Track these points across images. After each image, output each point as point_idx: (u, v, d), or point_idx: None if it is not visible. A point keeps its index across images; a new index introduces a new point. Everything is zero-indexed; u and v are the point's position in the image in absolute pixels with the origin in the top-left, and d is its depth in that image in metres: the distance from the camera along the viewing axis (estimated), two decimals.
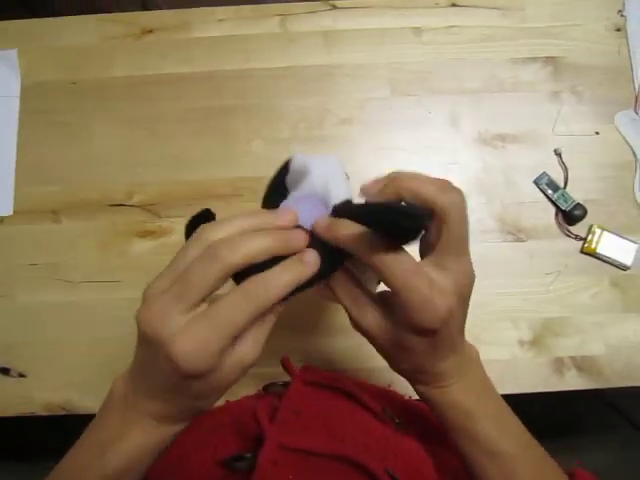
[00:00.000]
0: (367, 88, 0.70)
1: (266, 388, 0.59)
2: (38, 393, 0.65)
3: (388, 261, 0.32)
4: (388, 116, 0.70)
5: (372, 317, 0.37)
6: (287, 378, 0.56)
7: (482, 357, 0.62)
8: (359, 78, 0.70)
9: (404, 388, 0.63)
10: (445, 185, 0.34)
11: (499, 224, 0.68)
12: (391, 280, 0.33)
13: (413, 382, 0.40)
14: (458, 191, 0.34)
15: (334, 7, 0.72)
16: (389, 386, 0.63)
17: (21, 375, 0.66)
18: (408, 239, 0.31)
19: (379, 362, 0.61)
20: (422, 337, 0.35)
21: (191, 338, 0.31)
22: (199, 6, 0.73)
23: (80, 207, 0.69)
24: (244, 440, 0.48)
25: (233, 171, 0.68)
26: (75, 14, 0.74)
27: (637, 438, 1.36)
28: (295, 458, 0.43)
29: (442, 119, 0.70)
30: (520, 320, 0.66)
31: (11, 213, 0.69)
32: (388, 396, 0.61)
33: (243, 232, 0.33)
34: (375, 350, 0.40)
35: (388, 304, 0.37)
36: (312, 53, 0.71)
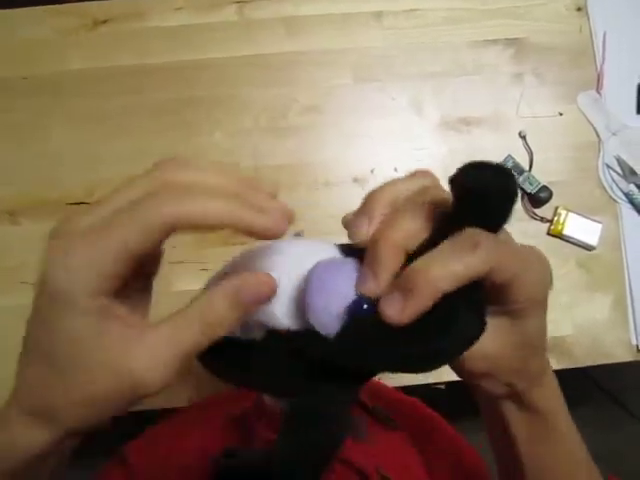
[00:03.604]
0: (330, 75, 0.69)
1: None
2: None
3: (492, 252, 0.25)
4: (353, 103, 0.69)
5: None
6: None
7: None
8: (322, 65, 0.69)
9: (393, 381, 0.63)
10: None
11: None
12: (505, 269, 0.26)
13: (515, 394, 0.32)
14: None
15: None
16: (378, 379, 0.63)
17: None
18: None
19: None
20: (535, 317, 0.29)
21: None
22: None
23: (39, 207, 0.67)
24: (234, 434, 0.47)
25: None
26: (30, 4, 0.71)
27: (610, 406, 1.40)
28: None
29: (406, 104, 0.69)
30: None
31: None
32: (379, 391, 0.61)
33: (209, 185, 0.24)
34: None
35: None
36: (273, 41, 0.69)
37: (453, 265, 0.24)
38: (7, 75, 0.68)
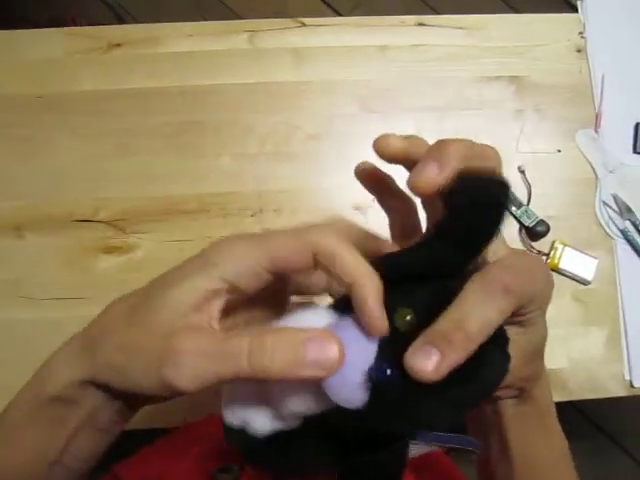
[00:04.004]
0: (335, 105, 0.71)
1: (213, 476, 0.58)
2: None
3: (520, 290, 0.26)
4: (355, 132, 0.71)
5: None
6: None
7: None
8: (327, 95, 0.71)
9: None
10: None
11: None
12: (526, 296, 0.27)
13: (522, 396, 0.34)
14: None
15: (303, 25, 0.72)
16: None
17: None
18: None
19: None
20: (542, 322, 0.31)
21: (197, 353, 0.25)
22: (170, 21, 0.73)
23: (44, 222, 0.68)
24: (229, 452, 0.47)
25: (200, 187, 0.68)
26: (46, 23, 0.73)
27: (603, 443, 1.40)
28: None
29: None
30: None
31: None
32: None
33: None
34: None
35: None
36: (281, 69, 0.71)
37: (489, 315, 0.24)
38: (20, 92, 0.70)
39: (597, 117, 0.73)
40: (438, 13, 1.65)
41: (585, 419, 1.40)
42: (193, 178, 0.69)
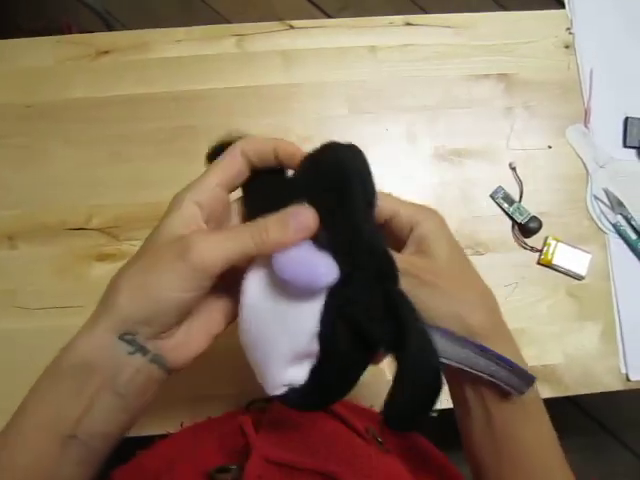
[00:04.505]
0: (326, 106, 0.71)
1: (249, 405, 0.58)
2: None
3: None
4: (346, 133, 0.71)
5: None
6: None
7: None
8: (318, 97, 0.71)
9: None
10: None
11: (457, 238, 0.69)
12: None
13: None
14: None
15: (291, 27, 0.72)
16: (371, 407, 0.64)
17: None
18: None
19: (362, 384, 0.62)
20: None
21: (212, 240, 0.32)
22: (159, 27, 0.73)
23: (37, 232, 0.67)
24: (228, 453, 0.47)
25: None
26: (38, 31, 0.73)
27: (604, 439, 1.40)
28: (280, 472, 0.43)
29: (399, 135, 0.71)
30: None
31: None
32: (371, 416, 0.61)
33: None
34: None
35: None
36: (271, 73, 0.71)
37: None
38: (11, 101, 0.70)
39: (586, 112, 0.73)
40: (427, 12, 1.65)
41: (585, 415, 1.41)
42: (186, 183, 0.68)
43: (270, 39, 0.72)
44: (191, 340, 0.35)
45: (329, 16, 1.64)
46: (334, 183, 0.34)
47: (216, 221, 0.35)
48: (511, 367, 0.34)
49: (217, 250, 0.31)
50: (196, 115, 0.70)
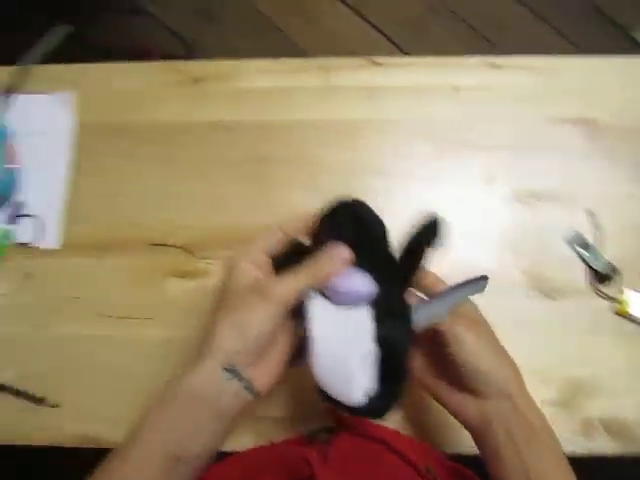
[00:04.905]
0: (405, 143, 0.73)
1: (310, 435, 0.59)
2: (69, 424, 0.67)
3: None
4: (423, 170, 0.72)
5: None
6: (327, 422, 0.58)
7: None
8: (398, 132, 0.73)
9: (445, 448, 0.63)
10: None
11: (530, 281, 0.68)
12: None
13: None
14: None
15: (376, 63, 0.75)
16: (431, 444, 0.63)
17: (54, 405, 0.67)
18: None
19: (425, 419, 0.63)
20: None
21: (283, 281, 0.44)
22: (237, 56, 0.77)
23: (122, 245, 0.71)
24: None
25: (270, 218, 0.70)
26: (123, 54, 0.78)
27: None
28: None
29: (477, 175, 0.71)
30: (549, 379, 0.66)
31: (58, 247, 0.72)
32: (431, 455, 0.61)
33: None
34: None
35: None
36: (353, 107, 0.73)
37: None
38: (107, 121, 0.75)
39: None
40: (496, 46, 1.66)
41: None
42: (265, 210, 0.71)
43: (355, 74, 0.74)
44: (271, 368, 0.44)
45: (402, 50, 1.67)
46: (358, 226, 0.48)
47: (265, 274, 0.46)
48: (464, 283, 0.47)
49: (289, 288, 0.43)
50: (279, 145, 0.73)
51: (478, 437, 0.48)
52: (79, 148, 0.75)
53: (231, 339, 0.41)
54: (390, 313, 0.45)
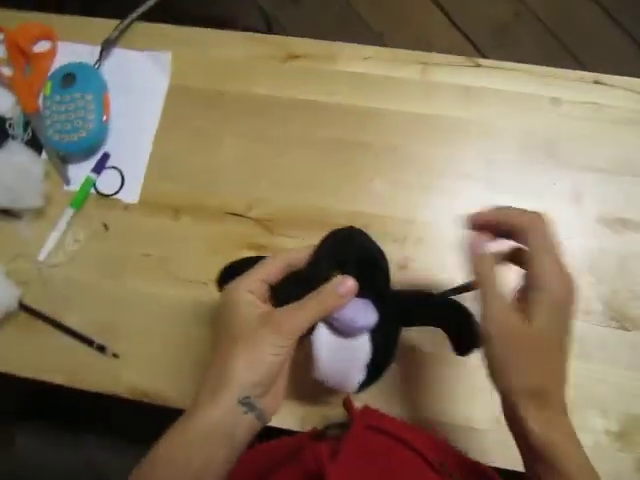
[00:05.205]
0: (496, 148, 0.71)
1: (323, 429, 0.60)
2: (127, 376, 0.68)
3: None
4: (511, 179, 0.70)
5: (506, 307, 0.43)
6: (342, 417, 0.58)
7: None
8: (489, 137, 0.71)
9: (462, 445, 0.63)
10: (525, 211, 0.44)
11: (605, 308, 0.67)
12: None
13: (528, 406, 0.42)
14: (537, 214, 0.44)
15: (478, 65, 0.73)
16: (446, 439, 0.63)
17: (115, 355, 0.69)
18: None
19: (439, 415, 0.64)
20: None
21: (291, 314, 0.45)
22: (316, 37, 0.77)
23: (201, 210, 0.72)
24: (303, 476, 0.49)
25: (351, 204, 0.70)
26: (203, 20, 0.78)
27: None
28: None
29: (566, 193, 0.69)
30: (610, 410, 0.64)
31: (137, 202, 0.73)
32: (446, 450, 0.60)
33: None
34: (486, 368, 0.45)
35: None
36: (449, 105, 0.72)
37: None
38: (202, 86, 0.75)
39: None
40: (578, 60, 1.61)
41: None
42: (346, 195, 0.71)
43: (454, 73, 0.73)
44: (277, 394, 0.46)
45: (479, 52, 1.63)
46: (363, 257, 0.50)
47: (263, 302, 0.47)
48: (449, 292, 0.52)
49: (298, 320, 0.44)
50: (368, 132, 0.73)
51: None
52: (169, 109, 0.76)
53: (246, 372, 0.42)
54: (386, 326, 0.50)
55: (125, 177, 0.74)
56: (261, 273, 0.47)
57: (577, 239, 0.68)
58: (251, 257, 0.53)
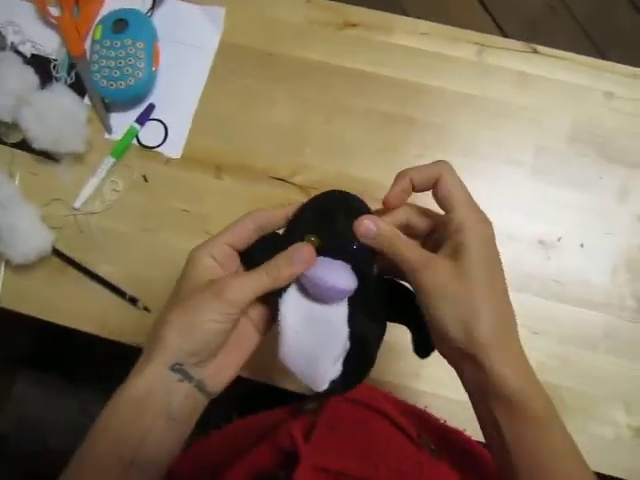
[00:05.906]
0: (545, 137, 0.71)
1: (301, 403, 0.59)
2: None
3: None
4: (557, 168, 0.70)
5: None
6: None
7: (584, 430, 0.67)
8: (540, 125, 0.71)
9: (440, 412, 0.64)
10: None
11: (639, 305, 0.67)
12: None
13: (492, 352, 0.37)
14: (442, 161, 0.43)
15: (535, 51, 0.72)
16: (425, 408, 0.64)
17: (146, 309, 0.69)
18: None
19: (419, 383, 0.66)
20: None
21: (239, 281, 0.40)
22: (392, 11, 0.75)
23: (243, 170, 0.71)
24: (279, 454, 0.49)
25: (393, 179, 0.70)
26: None
27: None
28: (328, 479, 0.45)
29: (611, 187, 0.69)
30: (634, 405, 0.65)
31: (179, 157, 0.72)
32: (424, 419, 0.61)
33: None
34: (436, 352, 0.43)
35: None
36: (501, 88, 0.72)
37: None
38: (254, 45, 0.74)
39: None
40: (605, 56, 1.60)
41: None
42: (389, 169, 0.69)
43: (510, 57, 0.72)
44: (225, 367, 0.42)
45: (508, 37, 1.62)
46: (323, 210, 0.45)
47: (227, 270, 0.42)
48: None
49: (244, 289, 0.39)
50: (417, 108, 0.72)
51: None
52: (219, 65, 0.74)
53: (179, 339, 0.38)
54: (368, 312, 0.42)
55: (169, 131, 0.73)
56: (226, 236, 0.42)
57: (618, 235, 0.69)
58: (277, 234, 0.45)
